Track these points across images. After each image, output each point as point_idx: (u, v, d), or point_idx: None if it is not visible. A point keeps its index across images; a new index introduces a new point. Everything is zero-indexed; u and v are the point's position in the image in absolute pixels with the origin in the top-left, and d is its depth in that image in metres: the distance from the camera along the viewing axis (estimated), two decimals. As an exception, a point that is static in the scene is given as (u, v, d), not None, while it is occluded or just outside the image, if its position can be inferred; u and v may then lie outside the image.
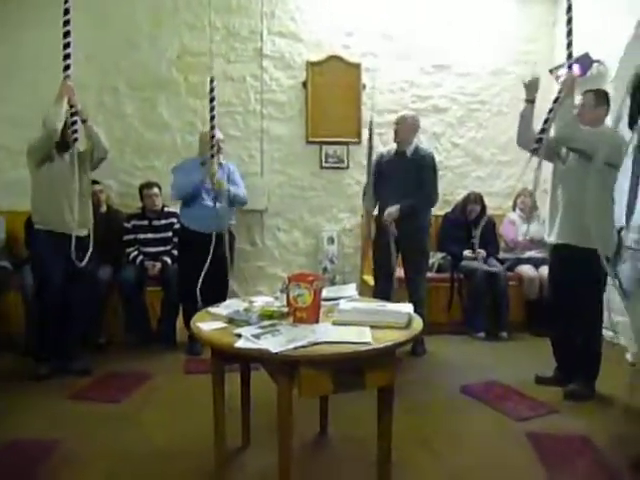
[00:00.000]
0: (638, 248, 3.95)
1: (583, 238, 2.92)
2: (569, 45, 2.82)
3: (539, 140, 3.10)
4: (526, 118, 3.27)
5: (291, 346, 1.80)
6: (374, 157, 3.93)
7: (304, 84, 4.88)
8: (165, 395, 3.18)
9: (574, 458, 2.46)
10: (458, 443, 2.61)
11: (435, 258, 4.63)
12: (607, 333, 3.86)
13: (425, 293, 3.94)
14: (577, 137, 3.01)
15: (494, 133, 5.20)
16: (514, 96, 5.07)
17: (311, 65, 4.85)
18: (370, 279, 4.48)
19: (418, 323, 2.05)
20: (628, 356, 3.78)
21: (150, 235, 4.25)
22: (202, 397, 2.52)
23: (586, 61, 4.45)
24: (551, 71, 4.88)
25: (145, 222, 4.26)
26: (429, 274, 4.47)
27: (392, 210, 3.78)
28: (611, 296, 3.36)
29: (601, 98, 3.19)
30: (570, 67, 3.18)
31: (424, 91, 5.05)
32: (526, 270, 4.55)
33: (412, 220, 3.81)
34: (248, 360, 2.28)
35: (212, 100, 3.19)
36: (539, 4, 5.02)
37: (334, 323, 2.05)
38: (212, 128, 3.29)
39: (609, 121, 3.24)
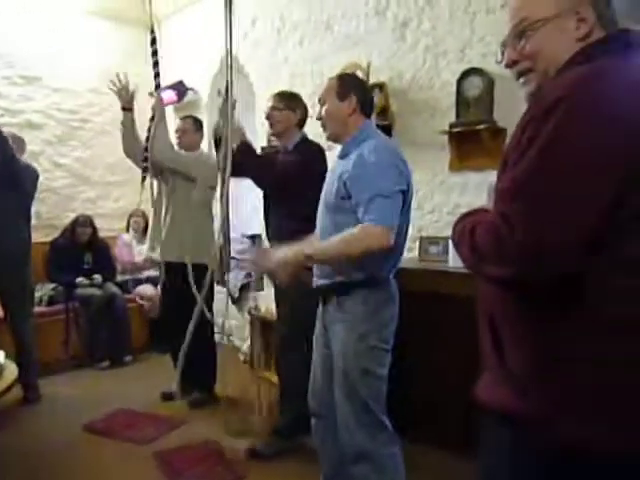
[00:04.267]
0: (240, 258, 4.46)
1: (193, 255, 3.14)
2: (156, 76, 2.92)
3: (145, 160, 3.12)
4: (127, 127, 3.27)
5: None
6: None
7: None
8: None
9: (199, 463, 2.57)
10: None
11: (44, 290, 4.16)
12: (221, 337, 4.21)
13: (33, 332, 3.48)
14: (175, 160, 3.17)
15: (101, 153, 5.03)
16: (117, 116, 5.04)
17: None
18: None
19: (11, 371, 1.76)
20: (240, 355, 4.20)
21: None
22: None
23: (181, 88, 4.77)
24: (151, 94, 5.04)
25: None
26: (41, 308, 4.00)
27: None
28: (221, 304, 3.67)
29: (198, 124, 3.44)
30: (160, 90, 3.27)
31: (12, 104, 4.49)
32: (146, 290, 4.56)
33: (10, 252, 3.30)
34: None
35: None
36: (133, 27, 5.10)
37: None
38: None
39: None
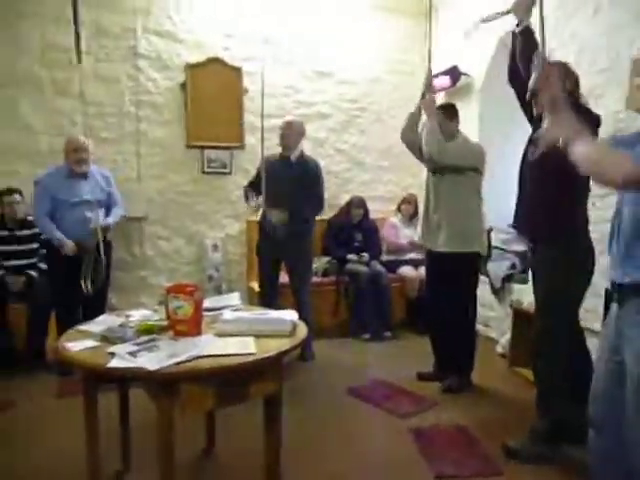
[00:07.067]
0: (505, 248, 4.29)
1: (461, 243, 3.19)
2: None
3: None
4: (414, 116, 3.39)
5: (171, 362, 1.69)
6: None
7: (183, 86, 4.70)
8: (33, 422, 2.87)
9: (452, 448, 2.59)
10: (346, 445, 2.64)
11: (320, 262, 4.67)
12: (479, 327, 4.14)
13: (310, 298, 3.95)
14: (445, 157, 3.19)
15: (374, 139, 5.37)
16: (391, 105, 5.31)
17: (190, 67, 4.68)
18: (256, 286, 4.43)
19: (302, 330, 2.03)
20: (498, 348, 4.07)
21: (12, 247, 3.83)
22: (77, 421, 2.30)
23: (455, 73, 4.76)
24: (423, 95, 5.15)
25: (5, 232, 3.83)
26: (316, 279, 4.51)
27: (279, 215, 3.72)
28: (481, 293, 3.61)
29: (451, 113, 3.34)
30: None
31: (307, 97, 5.09)
32: (407, 271, 4.75)
33: (296, 227, 3.80)
34: (124, 380, 2.12)
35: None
36: (411, 17, 5.27)
37: (217, 335, 1.97)
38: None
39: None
